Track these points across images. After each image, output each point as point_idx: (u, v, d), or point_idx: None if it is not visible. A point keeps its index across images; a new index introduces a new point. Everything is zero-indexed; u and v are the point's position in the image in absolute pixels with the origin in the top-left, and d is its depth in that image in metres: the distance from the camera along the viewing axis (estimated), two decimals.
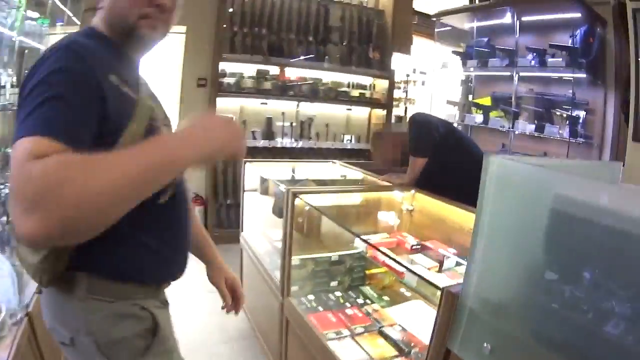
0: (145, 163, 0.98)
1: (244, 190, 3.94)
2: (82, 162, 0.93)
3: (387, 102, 6.77)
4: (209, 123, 1.14)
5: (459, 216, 2.73)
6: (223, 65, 5.68)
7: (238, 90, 5.82)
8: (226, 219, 5.92)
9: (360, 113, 6.85)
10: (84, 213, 0.90)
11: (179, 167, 1.12)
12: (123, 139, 1.17)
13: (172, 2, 1.34)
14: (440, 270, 2.53)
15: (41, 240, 0.91)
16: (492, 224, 1.31)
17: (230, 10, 5.67)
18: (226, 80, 5.75)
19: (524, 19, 5.00)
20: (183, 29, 5.55)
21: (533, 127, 4.80)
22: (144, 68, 1.48)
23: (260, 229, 3.79)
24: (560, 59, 4.51)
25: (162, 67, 6.98)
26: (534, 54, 4.73)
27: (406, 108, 7.74)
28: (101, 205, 0.92)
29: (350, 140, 6.69)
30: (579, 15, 4.49)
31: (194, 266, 4.62)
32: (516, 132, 5.00)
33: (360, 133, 6.84)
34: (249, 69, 5.92)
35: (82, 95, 1.08)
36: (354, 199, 3.15)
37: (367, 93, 6.70)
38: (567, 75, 4.58)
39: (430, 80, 8.47)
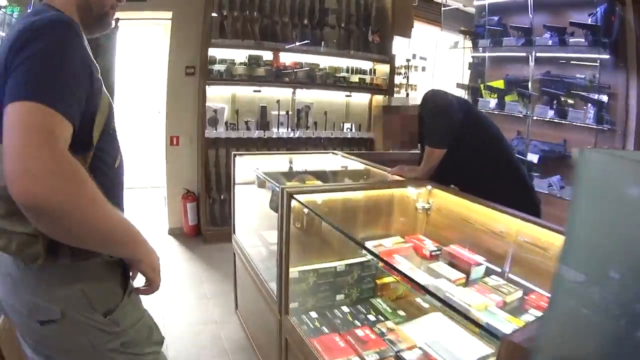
0: (122, 237, 1.30)
1: (234, 186, 3.51)
2: (97, 196, 1.16)
3: (388, 88, 6.30)
4: (155, 257, 1.47)
5: (483, 215, 2.31)
6: (212, 52, 5.23)
7: (229, 77, 5.38)
8: (220, 215, 5.51)
9: (360, 99, 6.41)
10: (71, 220, 1.10)
11: (127, 252, 1.39)
12: (97, 119, 1.32)
13: None
14: (467, 283, 2.12)
15: (29, 201, 1.03)
16: (589, 248, 0.87)
17: None
18: (216, 67, 5.30)
19: None
20: (169, 14, 5.11)
21: (552, 112, 4.37)
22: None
23: (255, 228, 3.35)
24: (583, 39, 4.08)
25: (148, 56, 6.58)
26: (553, 33, 4.28)
27: (407, 94, 7.31)
28: (83, 228, 1.14)
29: (351, 129, 6.26)
30: None
31: (183, 273, 4.23)
32: (534, 118, 4.58)
33: (361, 121, 6.41)
34: (240, 55, 5.47)
35: (82, 71, 1.22)
36: (361, 196, 2.70)
37: (367, 78, 6.24)
38: (591, 56, 4.14)
39: (432, 66, 8.11)
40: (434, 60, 8.27)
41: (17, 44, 1.13)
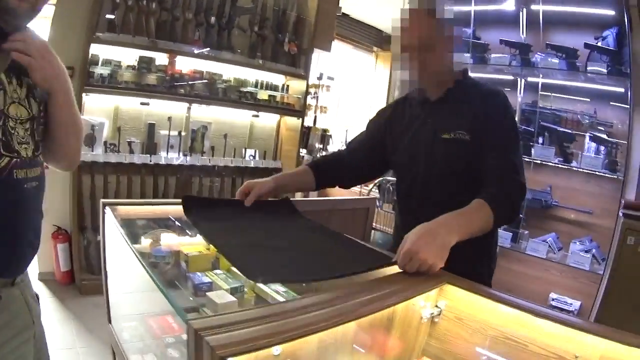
0: None
1: (104, 252, 2.36)
2: None
3: (302, 109, 5.59)
4: None
5: (535, 331, 1.42)
6: (96, 49, 4.19)
7: (113, 83, 4.34)
8: (97, 261, 4.39)
9: (267, 121, 5.62)
10: None
11: None
12: None
13: None
14: None
15: None
16: None
17: None
18: (98, 70, 4.25)
19: (533, 7, 3.97)
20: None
21: (551, 154, 3.85)
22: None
23: (142, 311, 2.31)
24: (604, 67, 3.55)
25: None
26: (560, 54, 3.68)
27: (315, 117, 6.58)
28: None
29: (254, 157, 5.42)
30: (611, 13, 3.63)
31: (54, 338, 3.10)
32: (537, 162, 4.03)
33: (267, 147, 5.62)
34: (129, 56, 4.47)
35: None
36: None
37: (278, 96, 5.46)
38: (613, 89, 3.69)
39: (339, 87, 7.50)
40: (342, 81, 7.67)
41: None
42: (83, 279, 4.35)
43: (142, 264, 1.71)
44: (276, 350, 1.04)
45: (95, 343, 3.62)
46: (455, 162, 1.95)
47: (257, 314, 1.12)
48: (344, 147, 2.51)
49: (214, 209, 2.21)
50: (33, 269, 4.44)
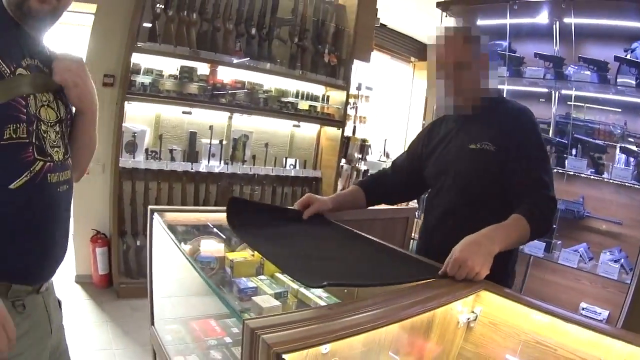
0: None
1: (151, 257, 2.38)
2: None
3: (342, 119, 5.58)
4: None
5: (569, 338, 1.43)
6: (138, 58, 4.24)
7: (155, 92, 4.39)
8: (136, 265, 4.50)
9: (307, 131, 5.63)
10: None
11: None
12: None
13: None
14: None
15: None
16: None
17: None
18: (140, 79, 4.31)
19: (566, 20, 3.98)
20: (93, 7, 4.12)
21: (584, 165, 3.83)
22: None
23: (185, 315, 2.34)
24: (633, 79, 3.55)
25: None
26: (592, 67, 3.68)
27: (355, 127, 6.58)
28: None
29: (294, 166, 5.45)
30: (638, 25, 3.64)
31: (90, 342, 3.15)
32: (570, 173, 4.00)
33: (307, 157, 5.64)
34: (170, 66, 4.53)
35: None
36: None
37: (318, 106, 5.48)
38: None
39: (377, 97, 7.50)
40: (381, 91, 7.68)
41: None
42: (121, 283, 4.40)
43: (195, 268, 1.75)
44: (324, 349, 1.07)
45: (131, 345, 3.65)
46: (478, 171, 2.02)
47: (307, 315, 1.19)
48: (389, 166, 2.60)
49: (255, 216, 2.23)
50: (70, 271, 4.54)
